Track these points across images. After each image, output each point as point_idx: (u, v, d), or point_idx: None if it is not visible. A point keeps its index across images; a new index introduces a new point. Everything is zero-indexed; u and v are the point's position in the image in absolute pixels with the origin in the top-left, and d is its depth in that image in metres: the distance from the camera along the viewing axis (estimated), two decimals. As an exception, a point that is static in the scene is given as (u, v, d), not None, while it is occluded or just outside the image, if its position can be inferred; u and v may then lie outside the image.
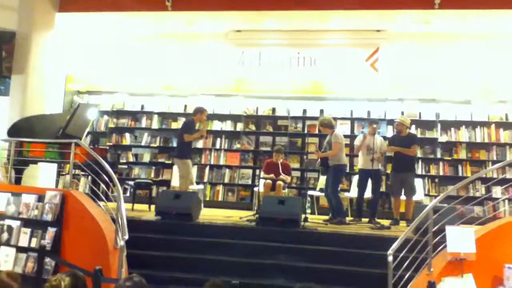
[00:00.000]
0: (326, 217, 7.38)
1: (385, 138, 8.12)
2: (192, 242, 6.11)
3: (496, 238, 4.82)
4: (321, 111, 9.42)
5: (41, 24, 8.37)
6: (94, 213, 5.49)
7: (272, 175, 8.00)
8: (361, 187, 7.50)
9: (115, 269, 4.88)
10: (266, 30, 9.24)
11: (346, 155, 8.08)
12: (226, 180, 9.46)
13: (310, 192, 8.62)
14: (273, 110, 9.76)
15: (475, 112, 9.04)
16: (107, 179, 5.68)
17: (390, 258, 4.51)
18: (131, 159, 9.87)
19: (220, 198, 9.19)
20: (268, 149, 9.36)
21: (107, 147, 9.08)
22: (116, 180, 5.56)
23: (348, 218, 7.47)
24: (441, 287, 4.41)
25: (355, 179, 8.53)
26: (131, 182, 8.28)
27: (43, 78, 8.38)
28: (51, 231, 5.44)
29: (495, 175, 7.94)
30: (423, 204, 7.18)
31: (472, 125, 9.02)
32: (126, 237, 4.96)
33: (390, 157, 7.73)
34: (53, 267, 5.22)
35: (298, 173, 9.33)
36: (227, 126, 9.66)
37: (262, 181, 7.98)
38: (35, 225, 5.57)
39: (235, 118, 9.74)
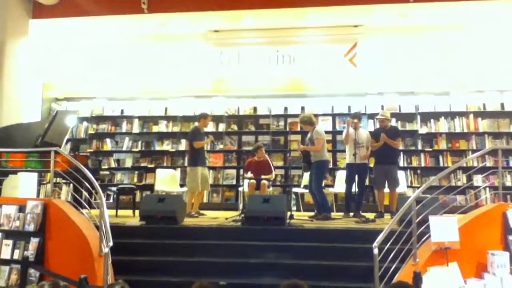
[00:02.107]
0: (312, 214, 7.41)
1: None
2: (178, 245, 6.06)
3: (479, 225, 4.89)
4: (302, 108, 9.47)
5: (14, 31, 8.22)
6: (77, 221, 5.40)
7: (253, 175, 8.00)
8: (349, 182, 7.53)
9: (101, 276, 4.81)
10: (244, 29, 9.23)
11: (329, 150, 8.11)
12: (210, 181, 9.39)
13: (294, 189, 8.64)
14: (255, 109, 9.77)
15: (453, 103, 9.18)
16: (89, 186, 5.61)
17: (376, 251, 4.54)
18: (113, 164, 9.78)
19: (205, 200, 9.14)
20: (251, 148, 9.34)
21: (88, 154, 8.96)
22: (98, 187, 5.49)
23: (334, 214, 7.51)
24: (427, 277, 4.44)
25: (339, 174, 8.59)
26: (114, 188, 8.19)
27: (18, 86, 8.24)
28: (34, 241, 5.34)
29: (475, 164, 8.07)
30: (406, 196, 7.27)
31: (451, 115, 9.16)
32: (111, 243, 4.90)
33: (373, 150, 7.76)
34: (37, 278, 5.12)
35: (282, 171, 9.35)
36: (209, 127, 9.61)
37: (246, 181, 7.97)
38: (17, 236, 5.45)
39: (216, 119, 9.71)
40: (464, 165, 8.21)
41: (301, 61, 9.26)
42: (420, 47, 8.89)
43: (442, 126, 9.12)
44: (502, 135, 8.98)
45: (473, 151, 8.66)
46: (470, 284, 4.56)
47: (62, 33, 9.16)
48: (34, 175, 7.10)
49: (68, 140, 9.12)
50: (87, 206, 5.77)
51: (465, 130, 9.05)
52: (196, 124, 8.16)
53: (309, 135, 7.56)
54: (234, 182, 9.45)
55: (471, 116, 9.07)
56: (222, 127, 9.71)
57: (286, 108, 9.67)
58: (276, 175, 8.78)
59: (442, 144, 9.10)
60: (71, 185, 6.40)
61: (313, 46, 9.30)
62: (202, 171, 7.73)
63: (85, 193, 5.85)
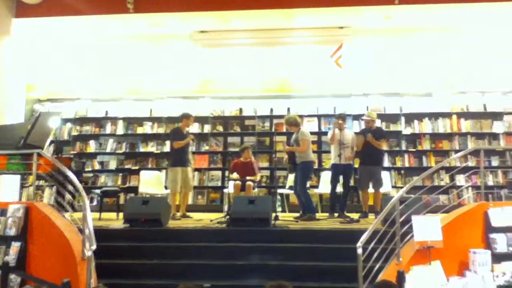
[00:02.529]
0: (297, 214, 7.42)
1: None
2: (162, 248, 6.03)
3: (461, 224, 4.96)
4: (288, 109, 9.48)
5: (-4, 30, 8.10)
6: (60, 225, 5.35)
7: (238, 176, 7.99)
8: (334, 182, 7.56)
9: (84, 280, 4.77)
10: (231, 30, 9.20)
11: (314, 151, 8.14)
12: (196, 183, 9.36)
13: (280, 191, 8.64)
14: (240, 110, 9.75)
15: (436, 104, 9.28)
16: (72, 188, 5.54)
17: (360, 251, 4.57)
18: (97, 166, 9.68)
19: (190, 202, 9.10)
20: (237, 149, 9.32)
21: (71, 156, 8.86)
22: (82, 189, 5.43)
23: (319, 214, 7.53)
24: (410, 276, 4.49)
25: (324, 175, 8.62)
26: (98, 191, 8.12)
27: (0, 86, 8.11)
28: (15, 246, 5.26)
29: (458, 164, 8.18)
30: (390, 196, 7.31)
31: (434, 116, 9.26)
32: (94, 247, 4.86)
33: (357, 151, 7.80)
34: (18, 283, 5.05)
35: (267, 172, 9.36)
36: (195, 128, 9.56)
37: (231, 182, 7.96)
38: (-3, 240, 5.38)
39: (202, 120, 9.67)
40: (447, 165, 8.31)
41: (288, 63, 9.29)
42: (404, 49, 8.98)
43: (426, 126, 9.23)
44: (484, 135, 9.11)
45: (456, 151, 8.74)
46: (452, 282, 4.62)
47: (46, 32, 9.04)
48: (16, 178, 6.96)
49: (51, 142, 8.97)
50: (70, 209, 5.72)
51: (448, 131, 9.16)
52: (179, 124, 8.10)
53: (294, 136, 7.57)
54: (219, 183, 9.42)
55: (454, 117, 9.18)
56: (207, 128, 9.67)
57: (272, 109, 9.68)
58: (261, 176, 8.78)
59: (426, 145, 9.20)
60: (54, 187, 6.32)
61: (299, 48, 9.33)
62: (183, 171, 7.66)
63: (68, 196, 5.78)
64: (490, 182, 8.68)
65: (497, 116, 9.15)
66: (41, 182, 6.90)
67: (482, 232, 4.93)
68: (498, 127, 9.07)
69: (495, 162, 8.86)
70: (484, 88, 9.14)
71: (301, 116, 8.37)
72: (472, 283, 4.57)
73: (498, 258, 4.77)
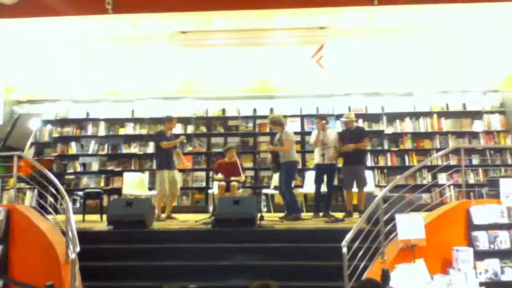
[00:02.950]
0: (282, 214, 7.44)
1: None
2: (147, 250, 5.99)
3: (444, 222, 5.03)
4: (271, 110, 9.51)
5: (-28, 32, 7.92)
6: (43, 227, 5.26)
7: (223, 176, 7.98)
8: (318, 182, 7.61)
9: (68, 283, 4.69)
10: (212, 30, 9.12)
11: (298, 151, 8.17)
12: (180, 184, 9.30)
13: (264, 191, 8.66)
14: (223, 110, 9.75)
15: (417, 104, 9.42)
16: (54, 191, 5.46)
17: (345, 250, 4.61)
18: (79, 168, 9.55)
19: (174, 203, 9.03)
20: (220, 150, 9.32)
21: (53, 158, 8.70)
22: (64, 192, 5.36)
23: (304, 214, 7.57)
24: (394, 274, 4.53)
25: (308, 175, 8.67)
26: (80, 193, 8.01)
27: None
28: (-4, 249, 5.17)
29: (439, 163, 8.29)
30: (374, 195, 7.39)
31: (415, 116, 9.40)
32: (78, 249, 4.79)
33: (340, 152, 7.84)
34: (0, 287, 4.96)
35: (251, 172, 9.36)
36: (178, 129, 9.49)
37: (216, 183, 7.94)
38: (-22, 245, 5.27)
39: (185, 121, 9.64)
40: (429, 164, 8.40)
41: (270, 63, 9.25)
42: (385, 48, 9.04)
43: (407, 126, 9.35)
44: (464, 134, 9.27)
45: (437, 150, 8.89)
46: (436, 279, 4.68)
47: (24, 33, 8.87)
48: (-4, 181, 6.88)
49: (31, 144, 8.85)
50: (52, 211, 5.63)
51: (429, 130, 9.31)
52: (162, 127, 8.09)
53: (277, 136, 7.60)
54: (203, 184, 9.39)
55: (435, 116, 9.33)
56: (190, 129, 9.64)
57: (255, 110, 9.69)
58: (246, 177, 8.77)
59: (408, 144, 9.33)
60: (36, 190, 6.22)
61: (281, 48, 9.31)
62: (169, 173, 7.64)
63: (50, 198, 5.69)
64: (471, 180, 8.84)
65: (476, 115, 9.32)
66: (22, 185, 6.81)
67: (465, 230, 5.01)
68: (478, 126, 9.25)
69: (475, 160, 9.03)
70: (464, 88, 9.32)
71: (284, 116, 8.40)
72: (455, 281, 4.63)
73: (480, 255, 4.85)
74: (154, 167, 8.74)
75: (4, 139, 6.76)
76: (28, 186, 6.72)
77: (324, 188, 7.64)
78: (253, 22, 8.77)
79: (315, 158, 7.77)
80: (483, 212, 5.03)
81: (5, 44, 8.92)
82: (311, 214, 7.59)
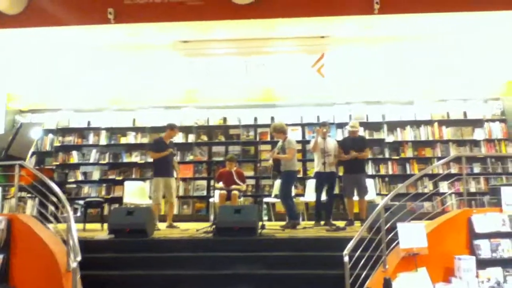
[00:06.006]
0: (283, 223, 7.42)
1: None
2: (148, 259, 5.96)
3: (446, 231, 5.01)
4: (272, 118, 9.53)
5: (-26, 41, 7.97)
6: (44, 236, 5.25)
7: (224, 185, 7.97)
8: (319, 190, 7.60)
9: (69, 292, 4.69)
10: (214, 39, 9.22)
11: (299, 160, 8.17)
12: (181, 193, 9.32)
13: (265, 199, 8.65)
14: (224, 119, 9.76)
15: (418, 112, 9.44)
16: (55, 200, 5.46)
17: (346, 258, 4.59)
18: (80, 177, 9.56)
19: (175, 212, 9.04)
20: (221, 159, 9.33)
21: (54, 167, 8.76)
22: (65, 200, 5.35)
23: (305, 222, 7.54)
24: (396, 283, 4.52)
25: (310, 183, 8.65)
26: (81, 202, 8.00)
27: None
28: (-3, 258, 5.17)
29: (440, 171, 8.27)
30: (375, 203, 7.36)
31: (416, 124, 9.40)
32: (79, 258, 4.77)
33: (341, 160, 7.85)
34: (1, 296, 4.96)
35: (252, 181, 9.35)
36: (179, 138, 9.52)
37: (217, 192, 7.93)
38: (-21, 254, 5.26)
39: (186, 130, 9.65)
40: (430, 172, 8.41)
41: (271, 72, 9.32)
42: (385, 57, 9.10)
43: (408, 134, 9.36)
44: (465, 142, 9.27)
45: (438, 159, 8.89)
46: (438, 288, 4.66)
47: (26, 43, 8.93)
48: (-2, 190, 6.89)
49: (33, 153, 8.87)
50: (53, 220, 5.62)
51: (430, 138, 9.31)
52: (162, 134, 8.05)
53: (279, 144, 7.59)
54: (204, 193, 9.38)
55: (436, 124, 9.34)
56: (191, 137, 9.66)
57: (256, 118, 9.71)
58: (247, 185, 8.77)
59: (409, 152, 9.32)
60: (37, 199, 6.21)
61: (282, 57, 9.38)
62: (165, 181, 7.59)
63: (51, 207, 5.68)
64: (473, 188, 8.81)
65: (477, 123, 9.33)
66: (23, 194, 6.81)
67: (466, 238, 4.99)
68: (479, 134, 9.25)
69: (477, 168, 9.02)
70: (465, 96, 9.33)
71: (285, 125, 8.40)
72: (457, 289, 4.62)
73: (482, 264, 4.83)
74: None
75: (6, 148, 6.77)
76: (29, 195, 6.70)
77: (325, 197, 7.62)
78: (254, 31, 8.83)
79: (315, 166, 7.76)
80: (484, 220, 5.01)
81: (8, 54, 8.98)
82: (313, 222, 7.57)
